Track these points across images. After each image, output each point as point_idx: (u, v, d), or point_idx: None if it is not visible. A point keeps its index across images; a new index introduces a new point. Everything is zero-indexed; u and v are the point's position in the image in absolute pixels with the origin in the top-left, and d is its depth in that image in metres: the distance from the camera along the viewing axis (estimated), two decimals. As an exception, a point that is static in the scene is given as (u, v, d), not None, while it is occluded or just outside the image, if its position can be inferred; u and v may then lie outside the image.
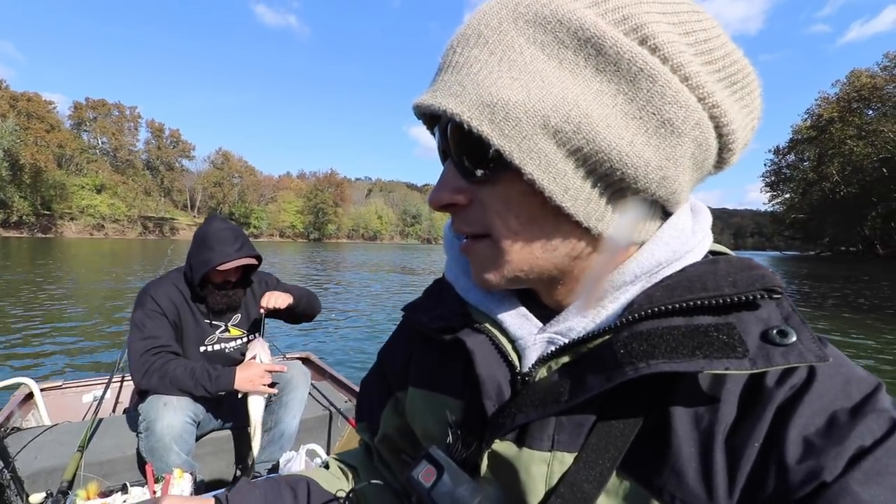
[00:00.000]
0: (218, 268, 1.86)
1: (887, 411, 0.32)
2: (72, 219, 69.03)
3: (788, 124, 54.74)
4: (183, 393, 1.78)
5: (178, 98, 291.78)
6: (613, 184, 0.35)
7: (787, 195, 58.65)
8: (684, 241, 0.40)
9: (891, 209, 43.34)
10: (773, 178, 58.74)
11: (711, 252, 0.44)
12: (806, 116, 50.32)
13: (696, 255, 0.41)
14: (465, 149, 0.36)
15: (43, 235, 63.49)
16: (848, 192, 46.34)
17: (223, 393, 1.81)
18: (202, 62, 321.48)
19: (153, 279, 2.03)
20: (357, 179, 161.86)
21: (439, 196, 0.39)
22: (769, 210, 64.78)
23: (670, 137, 0.33)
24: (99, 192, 74.43)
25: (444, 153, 0.39)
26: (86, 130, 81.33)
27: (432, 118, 0.40)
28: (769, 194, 60.69)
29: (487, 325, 0.45)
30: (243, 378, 1.81)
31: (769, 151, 58.35)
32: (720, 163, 0.38)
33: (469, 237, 0.40)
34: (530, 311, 0.44)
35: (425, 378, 0.51)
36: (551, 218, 0.36)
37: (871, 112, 42.39)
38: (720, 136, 0.35)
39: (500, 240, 0.38)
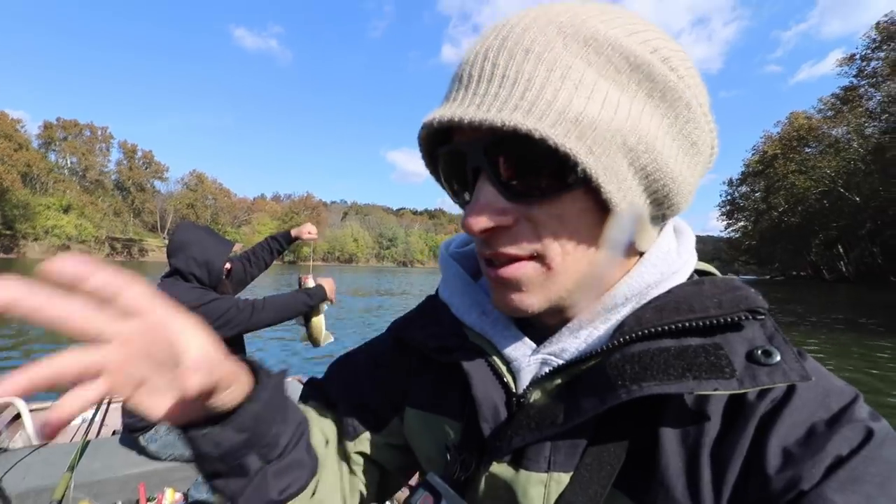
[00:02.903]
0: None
1: (863, 421, 0.33)
2: (35, 239, 66.78)
3: (742, 158, 58.88)
4: (296, 313, 2.14)
5: (153, 120, 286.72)
6: (657, 200, 0.37)
7: (741, 223, 62.76)
8: (670, 263, 0.41)
9: (831, 238, 47.23)
10: (728, 208, 62.81)
11: (697, 271, 0.45)
12: (753, 152, 54.65)
13: (682, 276, 0.42)
14: (521, 167, 0.35)
15: (4, 255, 61.24)
16: (792, 222, 50.31)
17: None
18: (178, 84, 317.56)
19: (162, 287, 2.02)
20: (333, 202, 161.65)
21: (480, 220, 0.36)
22: (724, 237, 68.78)
23: (696, 157, 0.38)
24: (66, 212, 72.48)
25: (474, 174, 0.37)
26: (54, 150, 79.60)
27: (436, 139, 0.39)
28: (725, 222, 64.77)
29: (482, 346, 0.45)
30: (329, 290, 2.30)
31: (723, 183, 62.63)
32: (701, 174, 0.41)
33: (507, 261, 0.38)
34: (524, 332, 0.44)
35: (423, 399, 0.51)
36: (600, 237, 0.37)
37: (809, 149, 46.50)
38: (712, 154, 0.41)
39: (552, 260, 0.37)
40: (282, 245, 2.65)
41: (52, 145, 79.32)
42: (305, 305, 2.18)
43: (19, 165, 66.14)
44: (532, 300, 0.39)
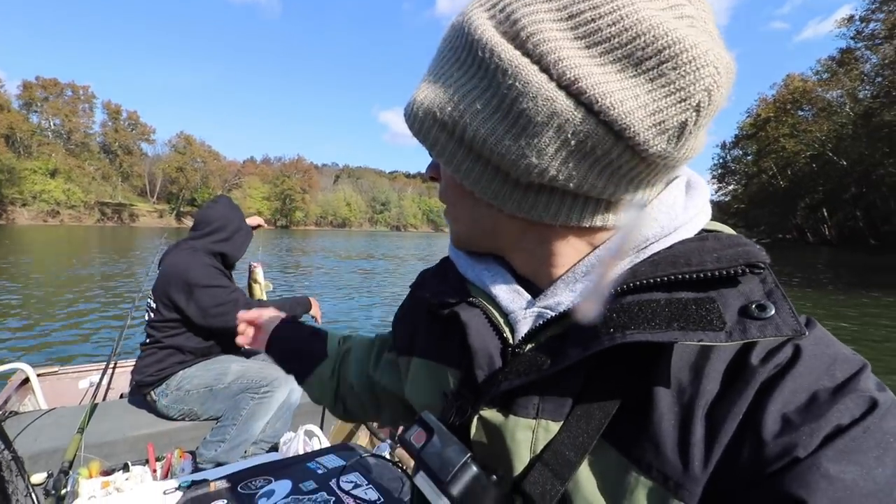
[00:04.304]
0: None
1: (868, 392, 0.32)
2: (24, 204, 65.87)
3: (737, 121, 58.49)
4: None
5: (135, 78, 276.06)
6: (501, 168, 0.38)
7: (732, 187, 63.20)
8: (673, 218, 0.41)
9: (816, 201, 47.91)
10: (720, 171, 63.03)
11: (707, 230, 0.43)
12: (748, 115, 54.39)
13: (688, 232, 0.41)
14: None
15: (-7, 221, 60.76)
16: (780, 185, 50.81)
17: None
18: (159, 39, 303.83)
19: (180, 250, 2.14)
20: (324, 165, 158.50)
21: (427, 170, 0.50)
22: (715, 200, 69.37)
23: (528, 128, 0.35)
24: (52, 176, 71.18)
25: None
26: (35, 111, 77.21)
27: None
28: (716, 186, 65.16)
29: (482, 300, 0.47)
30: (314, 305, 2.49)
31: (716, 146, 62.52)
32: (643, 151, 0.35)
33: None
34: (524, 288, 0.46)
35: (429, 349, 0.55)
36: (469, 195, 0.42)
37: (802, 113, 46.38)
38: (602, 121, 0.34)
39: (449, 210, 0.47)
40: None
41: (32, 106, 76.77)
42: (300, 315, 2.35)
43: (1, 128, 64.46)
44: (453, 236, 0.50)
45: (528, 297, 0.45)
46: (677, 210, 0.41)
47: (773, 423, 0.32)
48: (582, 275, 0.42)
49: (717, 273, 0.36)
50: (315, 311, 2.51)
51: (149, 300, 2.18)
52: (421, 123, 0.40)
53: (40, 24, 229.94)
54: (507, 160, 0.37)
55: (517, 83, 0.34)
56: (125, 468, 1.66)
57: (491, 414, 0.42)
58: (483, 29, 0.35)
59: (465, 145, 0.38)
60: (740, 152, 58.79)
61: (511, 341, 0.44)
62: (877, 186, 37.20)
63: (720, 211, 71.18)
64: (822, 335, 0.36)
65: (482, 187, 0.40)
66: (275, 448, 2.04)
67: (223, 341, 2.22)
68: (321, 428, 2.31)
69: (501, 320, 0.45)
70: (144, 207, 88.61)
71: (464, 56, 0.37)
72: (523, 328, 0.44)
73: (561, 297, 0.42)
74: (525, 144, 0.35)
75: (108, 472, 1.65)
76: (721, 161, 62.26)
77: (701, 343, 0.33)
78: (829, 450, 0.30)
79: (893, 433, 0.31)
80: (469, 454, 0.40)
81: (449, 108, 0.38)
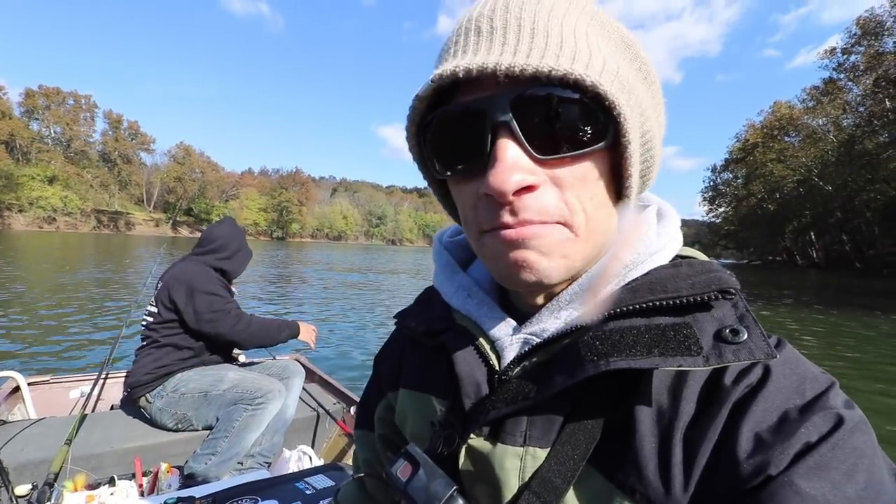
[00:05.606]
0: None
1: (835, 409, 0.33)
2: (20, 210, 66.01)
3: (727, 145, 59.83)
4: (269, 342, 2.26)
5: (136, 88, 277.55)
6: (643, 171, 0.41)
7: (722, 209, 64.35)
8: (648, 244, 0.42)
9: (803, 225, 48.98)
10: (710, 194, 64.20)
11: (681, 256, 0.45)
12: (736, 140, 55.76)
13: (662, 258, 0.42)
14: (551, 121, 0.34)
15: (-11, 227, 60.66)
16: (769, 209, 51.89)
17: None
18: (163, 51, 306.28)
19: (187, 262, 2.25)
20: (322, 178, 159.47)
21: (514, 177, 0.34)
22: (706, 221, 70.48)
23: (660, 130, 0.42)
24: (50, 183, 71.38)
25: (493, 132, 0.35)
26: (36, 119, 77.65)
27: (434, 99, 0.38)
28: (707, 208, 66.31)
29: (468, 327, 0.47)
30: (304, 330, 2.42)
31: (707, 169, 63.86)
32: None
33: (530, 225, 0.36)
34: (508, 314, 0.46)
35: (414, 379, 0.53)
36: (611, 200, 0.39)
37: (789, 139, 47.64)
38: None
39: (578, 226, 0.37)
40: None
41: (34, 114, 77.24)
42: (286, 338, 2.37)
43: (2, 134, 64.85)
44: (554, 265, 0.37)
45: (514, 323, 0.45)
46: (651, 237, 0.43)
47: (746, 443, 0.33)
48: (566, 302, 0.42)
49: (692, 299, 0.37)
50: (307, 336, 2.46)
51: (148, 306, 2.25)
52: (633, 100, 0.36)
53: (45, 33, 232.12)
54: (656, 164, 0.41)
55: (659, 93, 0.42)
56: (111, 482, 1.67)
57: (479, 443, 0.42)
58: (638, 46, 0.40)
59: (643, 131, 0.38)
60: (730, 175, 59.97)
61: (497, 368, 0.43)
62: (861, 213, 38.21)
63: (711, 232, 72.31)
64: (792, 355, 0.37)
65: (635, 176, 0.38)
66: (267, 464, 2.07)
67: (218, 349, 2.29)
68: (312, 446, 2.36)
69: (488, 347, 0.45)
70: (141, 216, 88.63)
71: (628, 56, 0.39)
72: (510, 355, 0.43)
73: (546, 324, 0.42)
74: (659, 142, 0.42)
75: (93, 486, 1.65)
76: (711, 184, 63.49)
77: (680, 368, 0.34)
78: (800, 467, 0.31)
79: (861, 449, 0.32)
80: (455, 487, 0.40)
81: (641, 100, 0.38)
